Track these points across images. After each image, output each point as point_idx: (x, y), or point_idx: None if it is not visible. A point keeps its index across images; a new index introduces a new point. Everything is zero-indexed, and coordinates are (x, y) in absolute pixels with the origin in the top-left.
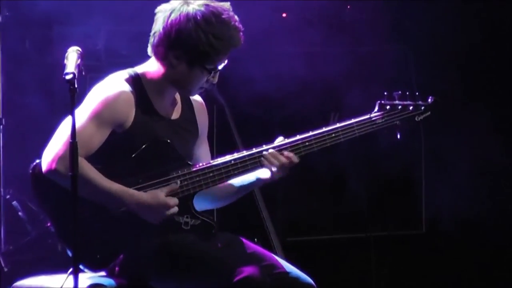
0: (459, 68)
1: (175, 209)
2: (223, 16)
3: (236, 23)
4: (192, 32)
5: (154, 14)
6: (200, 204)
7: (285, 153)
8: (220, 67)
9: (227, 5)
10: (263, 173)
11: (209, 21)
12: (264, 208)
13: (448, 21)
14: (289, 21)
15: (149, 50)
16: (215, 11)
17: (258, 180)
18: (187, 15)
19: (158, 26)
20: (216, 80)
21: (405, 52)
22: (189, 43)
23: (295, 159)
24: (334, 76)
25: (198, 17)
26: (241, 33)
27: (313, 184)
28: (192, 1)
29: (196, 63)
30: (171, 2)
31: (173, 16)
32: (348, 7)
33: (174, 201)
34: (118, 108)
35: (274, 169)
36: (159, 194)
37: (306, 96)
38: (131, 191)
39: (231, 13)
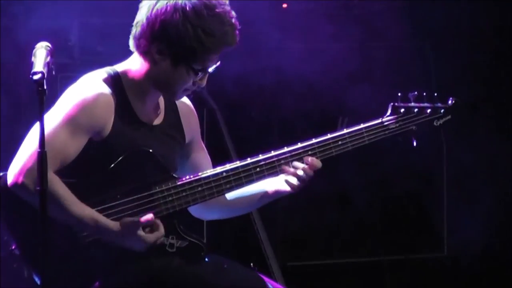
0: (484, 67)
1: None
2: (217, 10)
3: (232, 19)
4: (179, 24)
5: (135, 4)
6: (207, 213)
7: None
8: (210, 69)
9: None
10: (279, 185)
11: (199, 13)
12: (262, 229)
13: (472, 16)
14: (292, 13)
15: (131, 43)
16: (208, 3)
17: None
18: (175, 5)
19: (141, 15)
20: (204, 83)
21: (424, 48)
22: (174, 37)
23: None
24: (342, 75)
25: (187, 8)
26: (237, 31)
27: (317, 201)
28: None
29: (181, 61)
30: None
31: (159, 5)
32: None
33: (158, 234)
34: (97, 113)
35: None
36: (136, 228)
37: (310, 97)
38: (104, 219)
39: (227, 8)
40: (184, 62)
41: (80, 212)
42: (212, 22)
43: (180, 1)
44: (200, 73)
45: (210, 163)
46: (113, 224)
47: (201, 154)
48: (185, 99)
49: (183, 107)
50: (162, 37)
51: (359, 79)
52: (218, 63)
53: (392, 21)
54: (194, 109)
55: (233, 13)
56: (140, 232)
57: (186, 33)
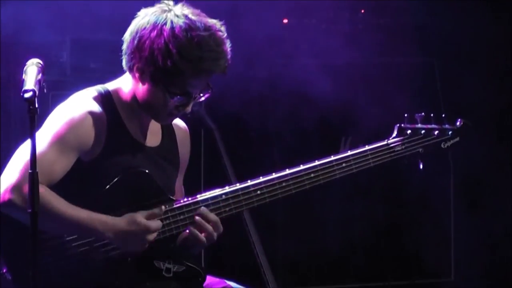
0: (492, 84)
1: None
2: (199, 33)
3: (219, 46)
4: (154, 42)
5: (128, 21)
6: None
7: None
8: (195, 95)
9: (215, 23)
10: None
11: (177, 34)
12: (262, 252)
13: (479, 33)
14: (295, 28)
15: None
16: (192, 25)
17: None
18: (156, 21)
19: (128, 31)
20: (188, 109)
21: (431, 65)
22: (148, 55)
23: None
24: (346, 92)
25: (166, 27)
26: (223, 60)
27: (320, 224)
28: (176, 8)
29: (158, 82)
30: (155, 5)
31: (143, 21)
32: (362, 11)
33: (156, 224)
34: (85, 131)
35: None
36: (137, 218)
37: (312, 116)
38: (104, 217)
39: (218, 34)
40: (161, 83)
41: (76, 213)
42: (189, 45)
43: (163, 19)
44: (177, 97)
45: (182, 189)
46: (113, 219)
47: (178, 185)
48: (181, 122)
49: (180, 131)
50: (140, 54)
51: (364, 96)
52: (208, 91)
53: (399, 38)
54: (189, 137)
55: (223, 40)
56: (145, 222)
57: (159, 52)
